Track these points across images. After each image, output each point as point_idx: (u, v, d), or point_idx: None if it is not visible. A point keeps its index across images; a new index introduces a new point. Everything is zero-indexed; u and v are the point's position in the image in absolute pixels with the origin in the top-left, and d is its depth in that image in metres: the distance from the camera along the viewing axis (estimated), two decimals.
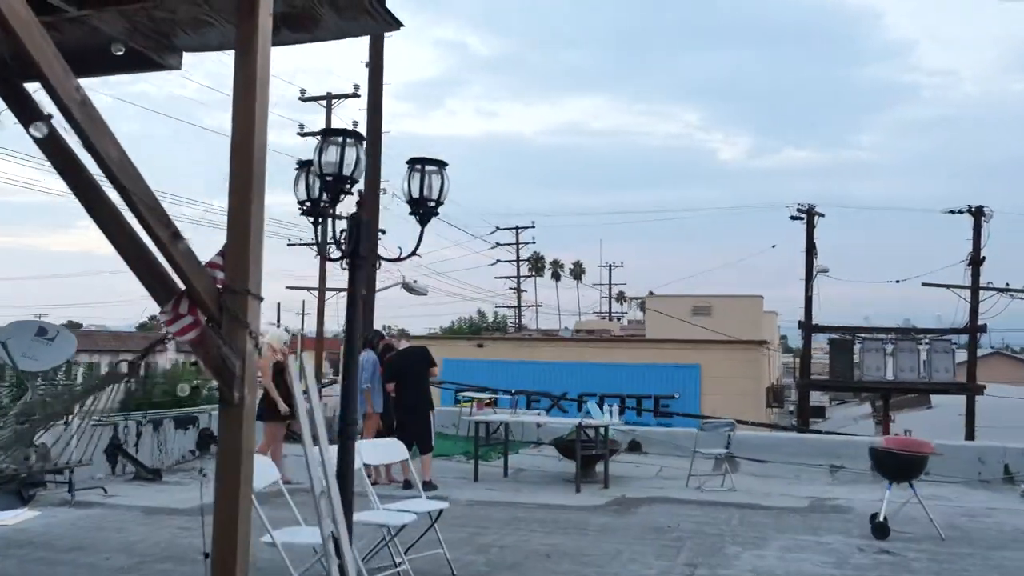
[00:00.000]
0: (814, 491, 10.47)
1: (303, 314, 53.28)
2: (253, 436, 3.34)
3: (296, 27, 3.65)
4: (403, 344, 10.69)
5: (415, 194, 4.13)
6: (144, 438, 10.96)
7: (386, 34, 17.64)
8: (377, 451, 6.45)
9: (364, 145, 3.81)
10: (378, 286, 17.88)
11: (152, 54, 3.98)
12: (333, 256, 3.79)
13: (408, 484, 10.22)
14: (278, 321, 57.26)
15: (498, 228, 52.33)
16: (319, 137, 3.73)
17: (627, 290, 72.31)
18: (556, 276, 76.69)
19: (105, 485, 9.63)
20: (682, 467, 11.19)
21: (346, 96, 32.98)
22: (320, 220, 3.72)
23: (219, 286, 3.29)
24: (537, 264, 65.97)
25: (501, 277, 54.44)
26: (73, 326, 65.23)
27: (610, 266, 70.07)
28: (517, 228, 52.54)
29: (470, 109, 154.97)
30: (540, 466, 12.14)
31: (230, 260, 3.29)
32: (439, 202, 4.17)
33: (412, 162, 4.25)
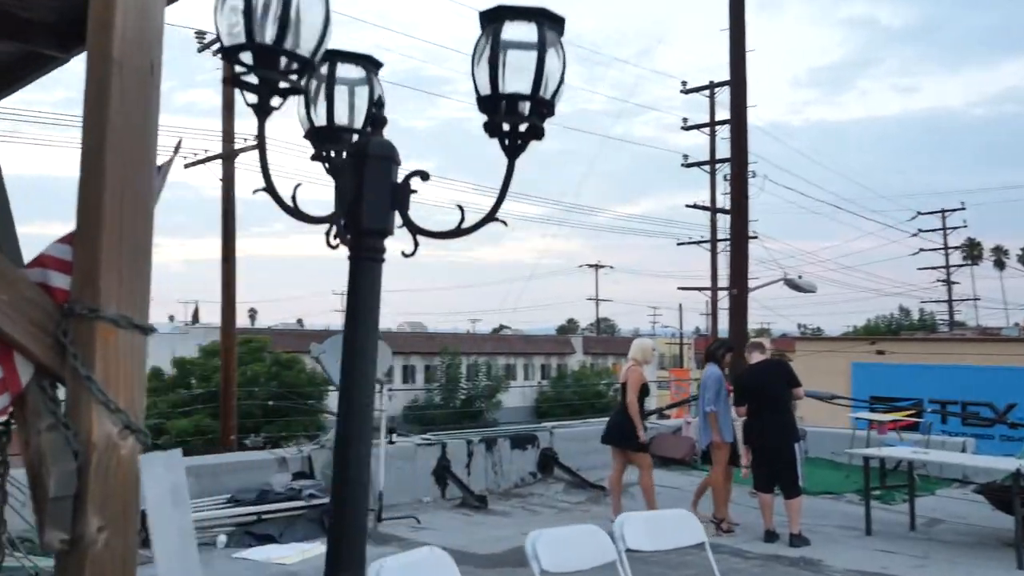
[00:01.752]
0: None
1: (707, 314, 51.61)
2: None
3: None
4: (756, 356, 8.41)
5: (485, 87, 1.78)
6: (476, 459, 10.02)
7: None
8: (653, 530, 4.29)
9: None
10: (753, 283, 15.49)
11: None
12: (333, 241, 1.75)
13: (772, 535, 7.97)
14: (680, 323, 56.36)
15: (919, 213, 45.72)
16: None
17: None
18: (999, 264, 65.87)
19: (422, 513, 8.76)
20: None
21: (728, 83, 30.74)
22: (327, 158, 1.77)
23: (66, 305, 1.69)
24: (972, 251, 56.98)
25: (925, 268, 47.52)
26: (498, 330, 70.63)
27: None
28: (943, 212, 45.41)
29: (885, 87, 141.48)
30: (964, 516, 8.99)
31: (78, 258, 1.69)
32: (540, 103, 1.75)
33: (487, 17, 1.84)
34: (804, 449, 8.26)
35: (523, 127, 1.66)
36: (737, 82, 15.69)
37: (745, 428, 8.34)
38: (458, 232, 1.68)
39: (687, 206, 30.39)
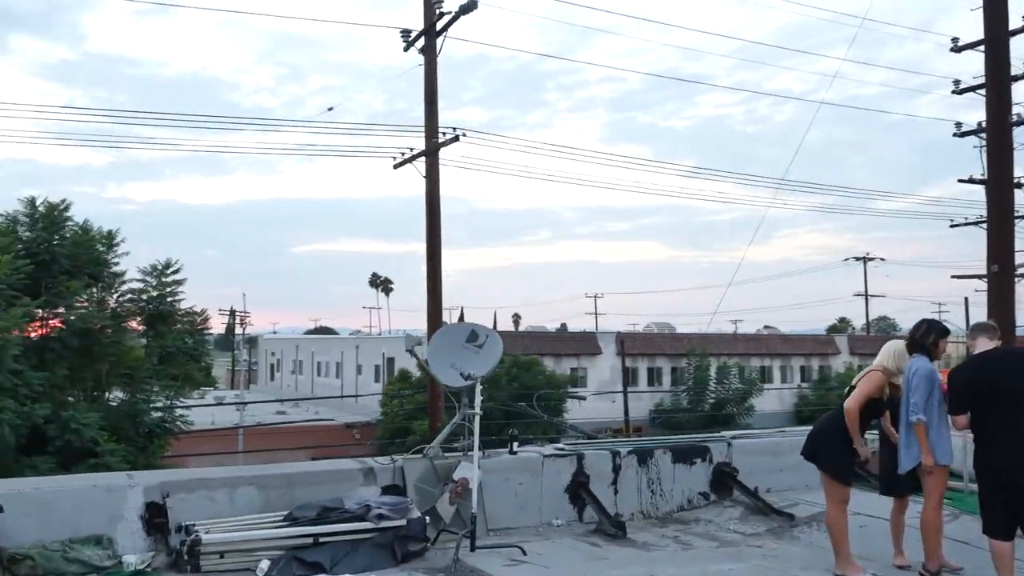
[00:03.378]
0: None
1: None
2: None
3: None
4: (983, 343, 5.89)
5: None
6: (625, 474, 8.22)
7: None
8: None
9: None
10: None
11: None
12: None
13: None
14: (967, 319, 49.25)
15: None
16: None
17: None
18: None
19: (543, 540, 7.16)
20: None
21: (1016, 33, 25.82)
22: None
23: None
24: None
25: None
26: (766, 329, 66.31)
27: None
28: None
29: None
30: None
31: None
32: None
33: None
34: None
35: None
36: (995, 28, 12.85)
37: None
38: None
39: (959, 180, 26.01)
